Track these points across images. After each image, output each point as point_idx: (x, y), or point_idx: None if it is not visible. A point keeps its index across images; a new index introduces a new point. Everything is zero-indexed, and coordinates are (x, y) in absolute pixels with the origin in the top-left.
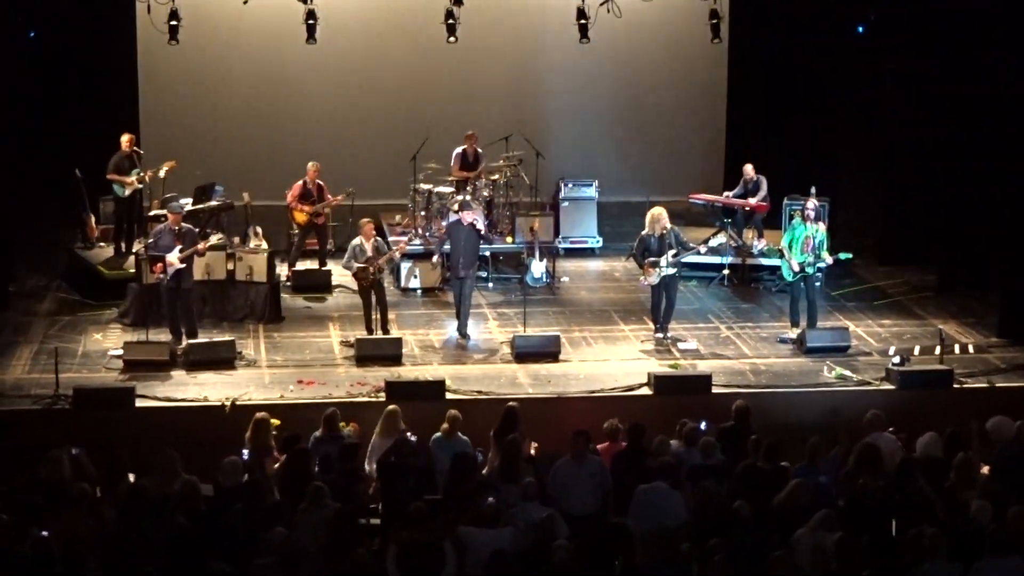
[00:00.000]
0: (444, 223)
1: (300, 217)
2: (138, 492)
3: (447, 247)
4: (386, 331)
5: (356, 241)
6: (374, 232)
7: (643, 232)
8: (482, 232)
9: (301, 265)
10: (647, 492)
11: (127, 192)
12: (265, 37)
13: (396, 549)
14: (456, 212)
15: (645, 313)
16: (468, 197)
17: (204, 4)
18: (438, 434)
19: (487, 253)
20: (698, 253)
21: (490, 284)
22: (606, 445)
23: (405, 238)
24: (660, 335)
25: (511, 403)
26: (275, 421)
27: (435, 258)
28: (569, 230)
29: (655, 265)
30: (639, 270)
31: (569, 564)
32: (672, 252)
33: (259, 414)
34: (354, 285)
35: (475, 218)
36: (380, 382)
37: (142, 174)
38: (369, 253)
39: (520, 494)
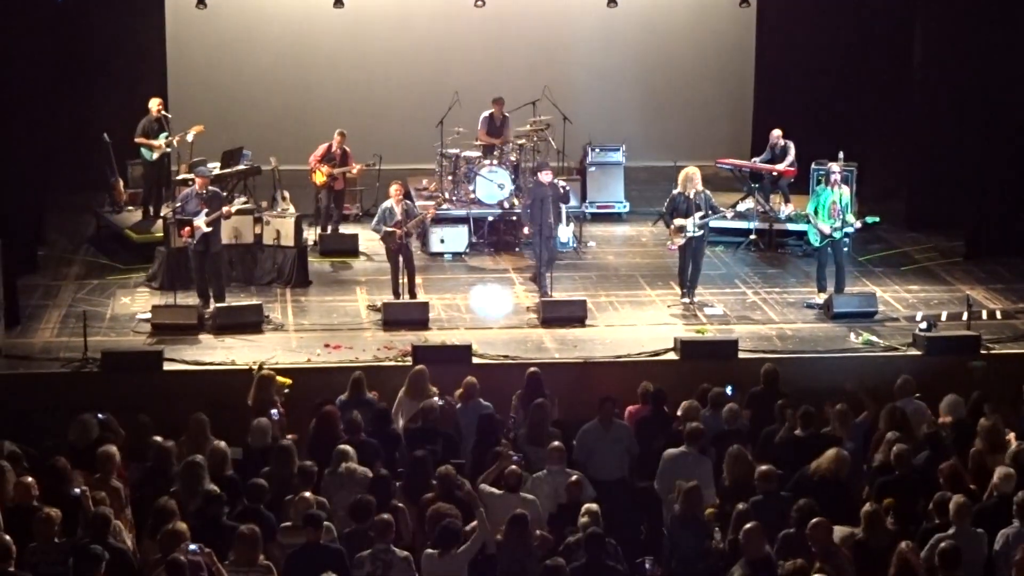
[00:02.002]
0: (470, 187)
1: (318, 178)
2: (163, 455)
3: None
4: (413, 295)
5: (386, 204)
6: (403, 195)
7: (674, 191)
8: (565, 189)
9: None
10: (675, 458)
11: (155, 156)
12: (293, 1)
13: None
14: (535, 174)
15: (672, 278)
16: (545, 159)
17: None
18: (458, 404)
19: (514, 218)
20: (724, 217)
21: (517, 248)
22: (637, 408)
23: (433, 202)
24: (686, 300)
25: (532, 368)
26: (285, 380)
27: (526, 229)
28: (596, 195)
29: (681, 229)
30: (666, 233)
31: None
32: (700, 214)
33: (263, 372)
34: (381, 249)
35: (555, 177)
36: (407, 346)
37: (170, 138)
38: (399, 216)
39: (546, 458)
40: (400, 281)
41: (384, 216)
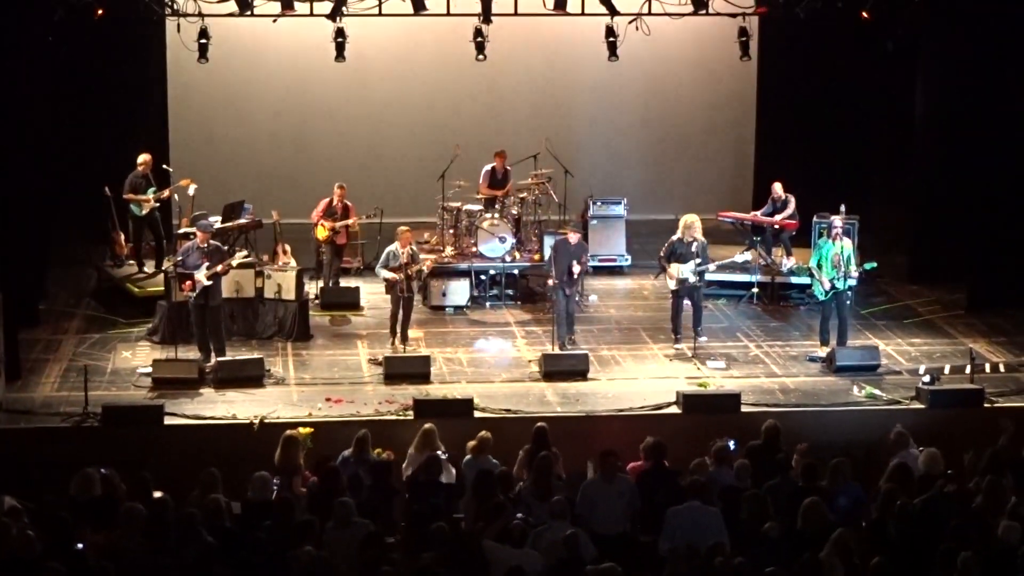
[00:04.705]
0: (472, 240)
1: (320, 233)
2: (162, 509)
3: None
4: (404, 339)
5: (392, 247)
6: (411, 240)
7: (673, 237)
8: (584, 250)
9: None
10: (681, 513)
11: (144, 211)
12: (294, 55)
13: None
14: (564, 232)
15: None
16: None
17: (234, 22)
18: (468, 456)
19: (515, 271)
20: (709, 269)
21: (518, 302)
22: (639, 464)
23: (432, 256)
24: (680, 346)
25: (540, 423)
26: (306, 430)
27: (551, 281)
28: (598, 248)
29: (677, 275)
30: (665, 280)
31: None
32: (697, 261)
33: (288, 432)
34: (383, 303)
35: (579, 239)
36: (408, 400)
37: (158, 193)
38: (402, 260)
39: (549, 512)
40: (397, 321)
41: (388, 259)
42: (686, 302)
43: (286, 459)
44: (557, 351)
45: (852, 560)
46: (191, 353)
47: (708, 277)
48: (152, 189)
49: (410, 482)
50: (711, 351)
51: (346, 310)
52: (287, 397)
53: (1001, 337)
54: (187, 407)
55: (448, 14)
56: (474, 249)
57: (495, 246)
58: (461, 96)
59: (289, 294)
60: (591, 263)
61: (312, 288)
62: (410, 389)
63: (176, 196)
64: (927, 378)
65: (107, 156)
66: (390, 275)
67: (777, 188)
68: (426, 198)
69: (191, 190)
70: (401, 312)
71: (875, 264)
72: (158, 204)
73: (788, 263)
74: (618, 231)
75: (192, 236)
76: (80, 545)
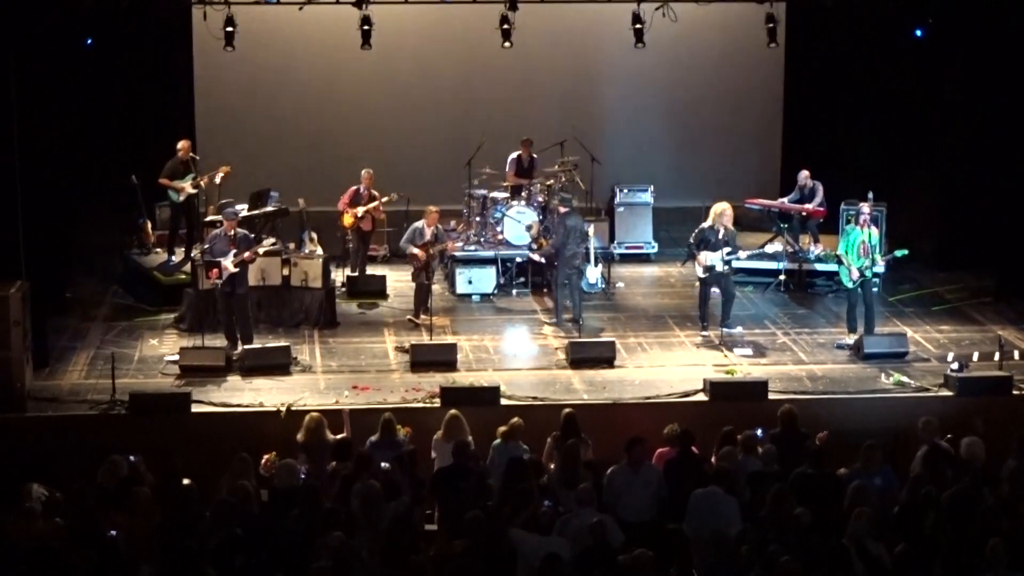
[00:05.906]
0: (498, 228)
1: (347, 220)
2: (189, 496)
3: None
4: (428, 313)
5: (418, 224)
6: (438, 219)
7: (704, 224)
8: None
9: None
10: (702, 497)
11: (181, 198)
12: (320, 43)
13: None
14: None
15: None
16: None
17: (260, 10)
18: (498, 441)
19: (542, 259)
20: (737, 258)
21: (546, 290)
22: (666, 450)
23: (449, 243)
24: (706, 334)
25: (568, 409)
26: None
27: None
28: (624, 235)
29: (706, 263)
30: (694, 275)
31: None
32: (727, 250)
33: (313, 414)
34: (409, 292)
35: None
36: (435, 388)
37: (197, 179)
38: (427, 238)
39: (575, 499)
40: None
41: (414, 235)
42: (715, 290)
43: (312, 438)
44: (583, 339)
45: (862, 541)
46: (218, 341)
47: (735, 265)
48: (191, 175)
49: (439, 470)
50: (738, 339)
51: (373, 298)
52: (314, 385)
53: None
54: (214, 395)
55: (474, 1)
56: (500, 237)
57: (521, 234)
58: (487, 83)
59: (316, 282)
60: (617, 250)
61: (339, 276)
62: (436, 377)
63: (203, 184)
64: (955, 365)
65: (134, 144)
66: (415, 250)
67: (804, 176)
68: (452, 186)
69: (218, 178)
70: (421, 293)
71: (906, 251)
72: (195, 191)
73: (815, 250)
74: (645, 218)
75: (219, 224)
76: (113, 532)
